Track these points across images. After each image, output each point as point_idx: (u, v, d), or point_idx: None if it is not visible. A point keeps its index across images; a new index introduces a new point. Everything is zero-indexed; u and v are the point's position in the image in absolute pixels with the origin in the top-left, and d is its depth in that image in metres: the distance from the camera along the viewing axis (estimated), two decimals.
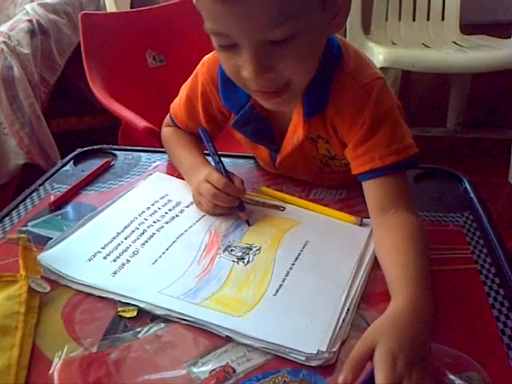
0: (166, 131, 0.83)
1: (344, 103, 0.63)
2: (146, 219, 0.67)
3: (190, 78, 0.77)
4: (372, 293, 0.55)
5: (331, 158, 0.72)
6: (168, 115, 0.83)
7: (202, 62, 0.74)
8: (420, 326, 0.47)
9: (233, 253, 0.60)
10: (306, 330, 0.49)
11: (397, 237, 0.58)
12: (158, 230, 0.65)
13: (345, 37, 1.92)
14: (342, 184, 0.75)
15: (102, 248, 0.62)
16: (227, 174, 0.69)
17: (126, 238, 0.63)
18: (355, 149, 0.64)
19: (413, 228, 0.59)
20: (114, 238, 0.63)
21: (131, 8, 1.89)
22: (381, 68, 1.72)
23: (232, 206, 0.67)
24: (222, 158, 0.71)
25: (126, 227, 0.66)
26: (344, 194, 0.73)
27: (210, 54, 0.73)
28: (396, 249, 0.57)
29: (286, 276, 0.56)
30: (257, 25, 0.52)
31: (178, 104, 0.80)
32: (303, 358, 0.46)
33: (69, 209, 0.73)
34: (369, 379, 0.42)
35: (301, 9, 0.53)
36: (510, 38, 1.90)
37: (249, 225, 0.66)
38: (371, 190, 0.63)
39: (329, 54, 0.62)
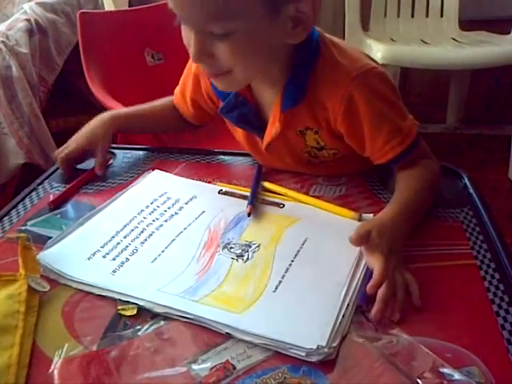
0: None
1: (333, 93, 0.65)
2: (145, 217, 0.67)
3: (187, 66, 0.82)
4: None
5: (320, 149, 0.73)
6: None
7: None
8: (399, 237, 0.59)
9: (232, 250, 0.60)
10: (306, 326, 0.49)
11: (416, 172, 0.68)
12: (157, 229, 0.65)
13: (343, 34, 1.92)
14: (341, 178, 0.76)
15: (102, 247, 0.62)
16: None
17: (125, 237, 0.63)
18: (370, 146, 0.68)
19: (429, 171, 0.69)
20: (114, 237, 0.63)
21: (129, 6, 1.89)
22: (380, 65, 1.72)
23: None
24: (222, 156, 0.72)
25: (125, 226, 0.66)
26: (343, 190, 0.73)
27: None
28: (409, 179, 0.67)
29: (286, 272, 0.56)
30: (197, 17, 0.58)
31: (180, 83, 0.86)
32: (303, 354, 0.46)
33: (68, 208, 0.73)
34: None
35: (241, 11, 0.56)
36: (509, 33, 1.90)
37: (248, 216, 0.66)
38: (398, 170, 0.70)
39: (306, 49, 0.64)
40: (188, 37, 0.61)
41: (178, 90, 0.86)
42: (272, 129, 0.71)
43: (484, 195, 0.71)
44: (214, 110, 0.81)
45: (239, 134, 0.80)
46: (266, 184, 0.75)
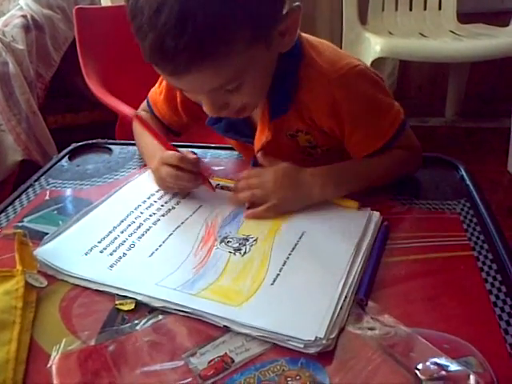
0: (140, 113, 0.83)
1: (315, 96, 0.65)
2: (142, 213, 0.67)
3: None
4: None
5: (313, 147, 0.73)
6: (145, 101, 0.83)
7: None
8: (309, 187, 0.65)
9: (229, 244, 0.60)
10: (304, 318, 0.49)
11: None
12: (154, 224, 0.65)
13: (341, 28, 1.91)
14: None
15: (99, 242, 0.61)
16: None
17: (122, 232, 0.63)
18: (350, 139, 0.68)
19: (392, 159, 0.69)
20: (111, 232, 0.63)
21: None
22: (378, 58, 1.71)
23: (196, 184, 0.69)
24: (218, 151, 0.72)
25: (122, 221, 0.65)
26: None
27: None
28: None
29: (283, 265, 0.56)
30: (203, 87, 0.58)
31: (157, 93, 0.81)
32: (301, 346, 0.46)
33: (65, 203, 0.73)
34: None
35: (248, 65, 0.57)
36: (507, 26, 1.90)
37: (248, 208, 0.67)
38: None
39: (290, 55, 0.64)
40: (196, 96, 0.63)
41: (160, 107, 0.81)
42: (262, 136, 0.71)
43: (481, 187, 0.71)
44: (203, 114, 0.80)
45: (232, 142, 0.81)
46: None
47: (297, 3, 0.59)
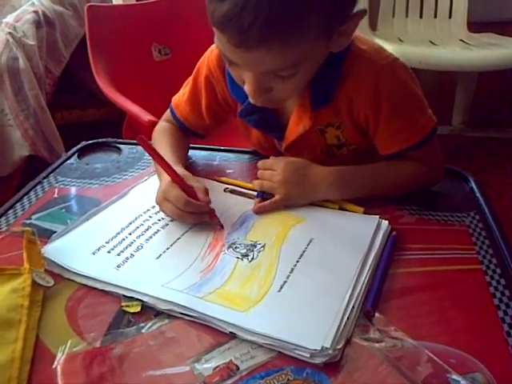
0: (160, 126, 0.83)
1: (361, 84, 0.65)
2: (150, 216, 0.67)
3: (196, 67, 0.78)
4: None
5: (340, 146, 0.72)
6: (169, 109, 0.83)
7: (211, 48, 0.75)
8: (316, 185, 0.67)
9: (237, 250, 0.60)
10: (311, 326, 0.49)
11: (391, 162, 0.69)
12: (162, 228, 0.65)
13: None
14: None
15: (107, 242, 0.61)
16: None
17: (130, 234, 0.63)
18: (381, 130, 0.68)
19: (410, 172, 0.69)
20: (119, 233, 0.63)
21: (137, 0, 1.88)
22: None
23: (201, 221, 0.64)
24: (221, 153, 0.71)
25: (130, 223, 0.65)
26: None
27: None
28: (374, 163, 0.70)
29: (291, 273, 0.56)
30: (263, 67, 0.57)
31: (181, 95, 0.81)
32: (308, 355, 0.45)
33: (73, 202, 0.73)
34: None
35: (308, 52, 0.56)
36: None
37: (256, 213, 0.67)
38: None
39: None
40: (240, 73, 0.61)
41: (182, 108, 0.80)
42: (297, 128, 0.70)
43: (490, 199, 0.71)
44: (230, 114, 0.79)
45: (254, 138, 0.79)
46: None
47: (363, 8, 0.59)
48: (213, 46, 0.74)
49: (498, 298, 0.53)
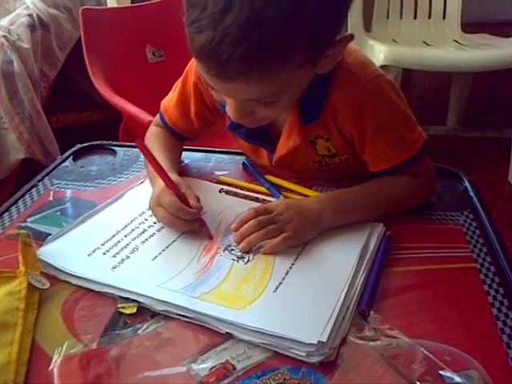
0: (152, 130, 0.82)
1: (344, 98, 0.64)
2: (146, 219, 0.67)
3: (184, 71, 0.77)
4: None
5: (331, 156, 0.72)
6: (158, 114, 0.82)
7: None
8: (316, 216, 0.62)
9: (233, 252, 0.60)
10: (307, 322, 0.49)
11: (383, 177, 0.68)
12: (158, 230, 0.65)
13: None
14: (341, 180, 0.75)
15: (102, 244, 0.61)
16: None
17: (125, 236, 0.63)
18: (369, 150, 0.67)
19: (406, 188, 0.68)
20: (114, 236, 0.63)
21: (132, 3, 1.89)
22: (381, 66, 1.71)
23: (191, 228, 0.63)
24: (215, 155, 0.70)
25: (126, 225, 0.65)
26: None
27: None
28: (370, 182, 0.68)
29: (286, 274, 0.56)
30: (243, 96, 0.56)
31: (170, 99, 0.80)
32: (304, 354, 0.46)
33: (68, 205, 0.73)
34: None
35: (292, 80, 0.56)
36: (511, 37, 1.90)
37: None
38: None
39: None
40: (222, 96, 0.60)
41: (171, 113, 0.79)
42: (287, 142, 0.70)
43: (484, 198, 0.71)
44: (220, 118, 0.78)
45: (244, 147, 0.79)
46: (269, 177, 0.75)
47: (350, 32, 0.58)
48: None
49: (492, 296, 0.53)
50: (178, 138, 0.81)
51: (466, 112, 2.28)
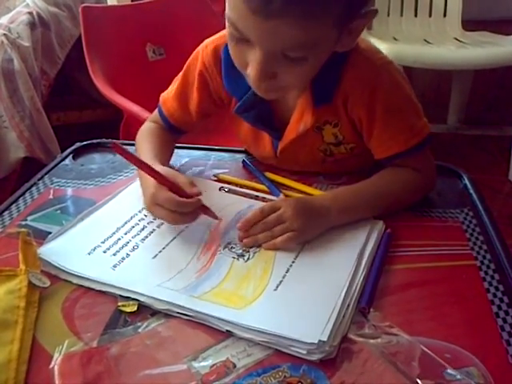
0: (145, 126, 0.81)
1: (357, 81, 0.65)
2: (145, 216, 0.67)
3: (186, 64, 0.77)
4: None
5: (337, 144, 0.72)
6: (157, 108, 0.81)
7: (204, 43, 0.74)
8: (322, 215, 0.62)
9: (233, 250, 0.60)
10: (307, 322, 0.49)
11: (385, 172, 0.69)
12: (158, 227, 0.65)
13: None
14: (341, 177, 0.75)
15: (102, 242, 0.61)
16: None
17: (125, 234, 0.63)
18: (377, 134, 0.67)
19: (409, 182, 0.68)
20: (114, 233, 0.63)
21: (132, 1, 1.89)
22: None
23: (195, 218, 0.62)
24: (215, 152, 0.70)
25: (125, 223, 0.65)
26: None
27: (213, 37, 0.73)
28: (372, 178, 0.69)
29: (287, 272, 0.56)
30: (276, 42, 0.54)
31: (169, 91, 0.79)
32: (304, 352, 0.46)
33: (68, 203, 0.73)
34: None
35: (321, 41, 0.55)
36: (511, 34, 1.90)
37: None
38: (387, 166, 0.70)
39: None
40: (245, 55, 0.58)
41: (170, 104, 0.78)
42: (298, 125, 0.69)
43: (484, 196, 0.71)
44: (221, 109, 0.77)
45: (246, 138, 0.79)
46: (270, 175, 0.75)
47: (375, 7, 0.59)
48: (205, 42, 0.73)
49: (492, 293, 0.53)
50: (172, 131, 0.80)
51: (467, 110, 2.28)
